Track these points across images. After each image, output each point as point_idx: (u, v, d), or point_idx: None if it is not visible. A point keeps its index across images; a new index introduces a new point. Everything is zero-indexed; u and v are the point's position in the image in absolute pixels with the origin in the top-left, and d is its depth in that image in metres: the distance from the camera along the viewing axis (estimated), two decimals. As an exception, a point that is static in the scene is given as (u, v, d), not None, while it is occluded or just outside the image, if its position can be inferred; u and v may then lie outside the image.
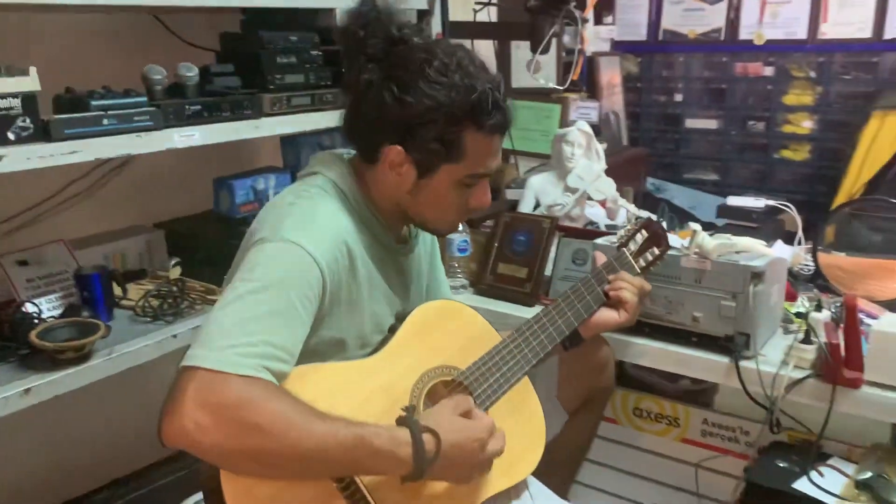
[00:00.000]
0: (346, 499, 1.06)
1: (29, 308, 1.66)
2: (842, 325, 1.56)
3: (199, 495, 1.92)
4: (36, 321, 1.62)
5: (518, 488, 1.25)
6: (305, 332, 1.07)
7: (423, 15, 2.25)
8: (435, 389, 1.21)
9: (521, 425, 1.25)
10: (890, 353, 1.47)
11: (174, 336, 1.72)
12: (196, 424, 0.94)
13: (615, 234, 1.71)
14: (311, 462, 0.99)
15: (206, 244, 2.01)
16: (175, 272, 1.97)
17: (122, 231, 2.09)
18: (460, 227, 2.05)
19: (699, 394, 1.97)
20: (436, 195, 1.21)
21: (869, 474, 1.46)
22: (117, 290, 1.84)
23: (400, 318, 1.26)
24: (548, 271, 1.95)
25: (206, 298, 1.88)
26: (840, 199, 3.28)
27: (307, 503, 1.04)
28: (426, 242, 1.42)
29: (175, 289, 1.87)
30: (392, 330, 1.24)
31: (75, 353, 1.56)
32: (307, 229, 1.11)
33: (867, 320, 1.61)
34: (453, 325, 1.29)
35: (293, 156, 2.13)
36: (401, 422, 1.08)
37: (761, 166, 3.79)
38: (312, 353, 1.13)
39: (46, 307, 1.72)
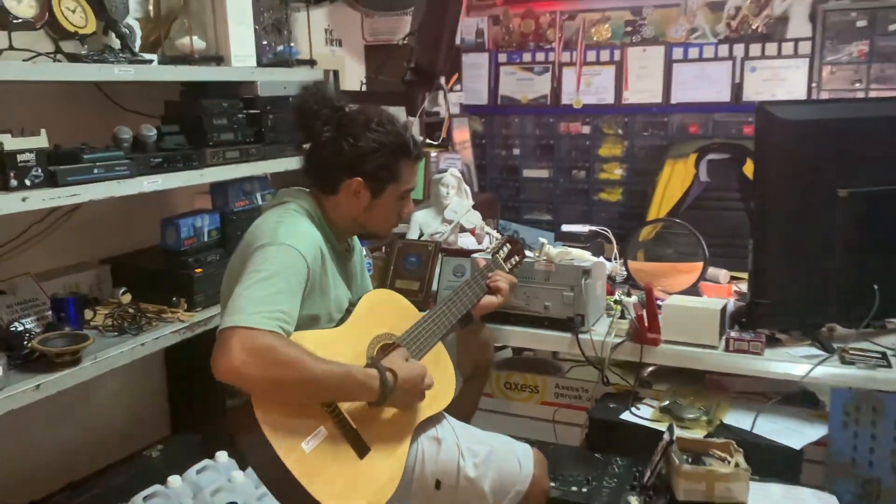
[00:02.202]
0: (332, 418, 1.56)
1: (19, 327, 2.01)
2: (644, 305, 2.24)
3: (153, 488, 2.30)
4: (28, 335, 1.97)
5: (439, 417, 1.79)
6: (298, 306, 1.56)
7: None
8: (381, 349, 1.73)
9: (439, 373, 1.78)
10: (676, 320, 2.15)
11: (142, 345, 2.11)
12: (242, 362, 1.41)
13: (486, 251, 2.32)
14: (316, 388, 1.49)
15: (153, 274, 2.39)
16: (126, 298, 2.33)
17: (73, 266, 2.43)
18: (364, 253, 2.59)
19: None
20: (383, 209, 1.76)
21: (667, 402, 2.13)
22: (88, 314, 2.19)
23: (352, 303, 1.78)
24: (434, 284, 2.52)
25: (159, 317, 2.28)
26: (643, 234, 4.12)
27: (307, 420, 1.52)
28: (358, 250, 1.95)
29: (132, 310, 2.25)
30: (349, 310, 1.76)
31: (71, 356, 1.93)
32: (296, 236, 1.61)
33: (660, 302, 2.30)
34: (391, 306, 1.82)
35: (222, 199, 2.57)
36: (371, 365, 1.60)
37: (585, 207, 4.59)
38: (297, 326, 1.61)
39: (29, 327, 2.06)
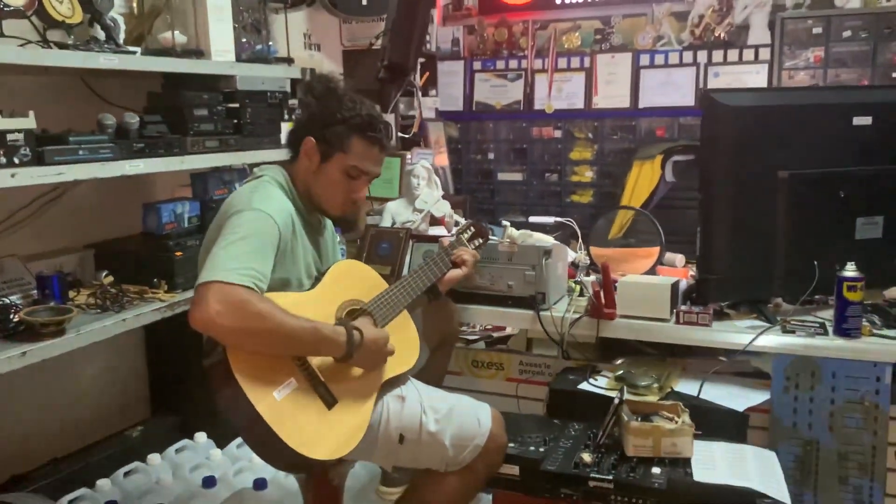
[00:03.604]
0: (302, 372, 1.67)
1: (5, 300, 2.11)
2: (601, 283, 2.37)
3: (133, 465, 2.40)
4: (14, 308, 2.07)
5: (403, 378, 1.91)
6: (271, 266, 1.68)
7: (296, 82, 2.93)
8: (349, 314, 1.85)
9: (403, 338, 1.90)
10: (630, 295, 2.29)
11: (124, 320, 2.21)
12: (217, 313, 1.52)
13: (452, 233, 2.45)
14: (287, 340, 1.60)
15: (135, 257, 2.50)
16: (108, 280, 2.44)
17: (58, 250, 2.53)
18: (338, 239, 2.71)
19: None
20: (329, 177, 1.86)
21: (621, 372, 2.26)
22: (71, 294, 2.30)
23: (320, 271, 1.90)
24: (405, 269, 2.64)
25: (141, 297, 2.38)
26: (614, 230, 4.27)
27: (279, 372, 1.64)
28: (330, 228, 2.08)
29: (114, 290, 2.36)
30: (318, 278, 1.88)
31: (56, 327, 2.03)
32: (268, 203, 1.73)
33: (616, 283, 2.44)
34: (358, 275, 1.94)
35: (202, 188, 2.69)
36: (338, 323, 1.72)
37: (558, 209, 4.73)
38: (269, 288, 1.73)
39: (16, 302, 2.16)
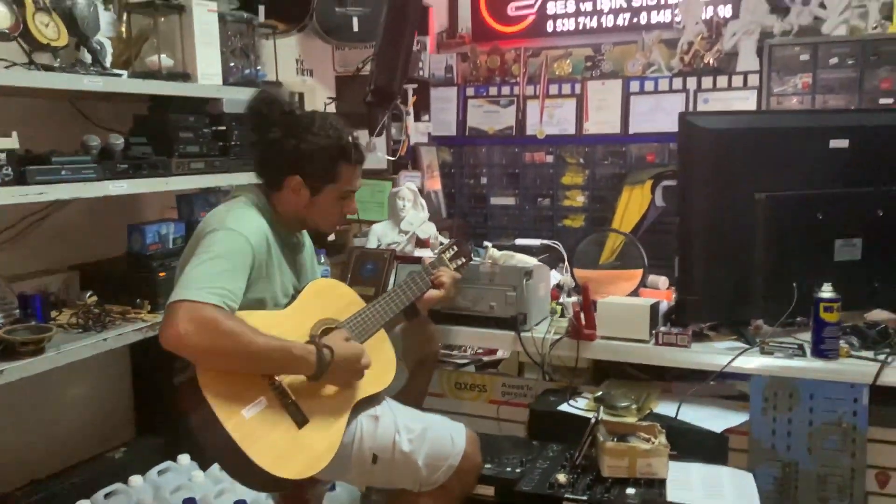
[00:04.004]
0: (272, 390, 1.67)
1: (-14, 319, 2.12)
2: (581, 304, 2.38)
3: (114, 486, 2.39)
4: (-6, 327, 2.08)
5: (378, 397, 1.91)
6: (244, 286, 1.69)
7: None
8: (324, 332, 1.85)
9: (379, 356, 1.90)
10: (610, 316, 2.29)
11: (105, 340, 2.23)
12: (186, 332, 1.53)
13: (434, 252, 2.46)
14: (256, 359, 1.61)
15: (119, 278, 2.52)
16: (92, 300, 2.45)
17: (43, 271, 2.55)
18: (322, 260, 2.73)
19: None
20: (323, 207, 1.90)
21: (600, 393, 2.25)
22: (54, 314, 2.31)
23: (297, 290, 1.91)
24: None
25: (124, 317, 2.39)
26: (605, 254, 4.28)
27: (249, 390, 1.64)
28: (308, 246, 2.09)
29: (96, 310, 2.37)
30: (294, 296, 1.89)
31: (35, 346, 2.04)
32: (242, 223, 1.75)
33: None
34: (335, 293, 1.96)
35: (187, 209, 2.71)
36: (309, 341, 1.73)
37: (550, 233, 4.74)
38: (243, 307, 1.74)
39: (-3, 321, 2.17)
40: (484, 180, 4.92)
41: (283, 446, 1.64)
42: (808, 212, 2.24)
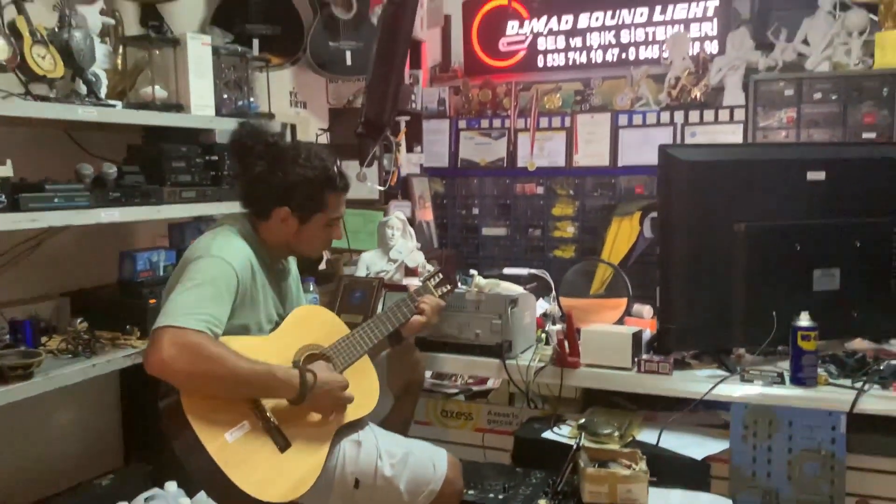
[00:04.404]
0: (255, 414, 1.70)
1: (-24, 344, 2.15)
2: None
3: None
4: (-17, 352, 2.11)
5: (361, 423, 1.93)
6: (228, 312, 1.73)
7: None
8: (308, 358, 1.88)
9: (362, 384, 1.93)
10: (593, 344, 2.33)
11: (93, 365, 2.25)
12: (170, 357, 1.56)
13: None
14: (239, 383, 1.64)
15: (110, 304, 2.54)
16: (82, 326, 2.48)
17: (35, 297, 2.58)
18: (311, 288, 2.76)
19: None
20: (311, 234, 1.94)
21: (583, 420, 2.27)
22: (44, 339, 2.34)
23: (282, 317, 1.95)
24: (377, 318, 2.68)
25: (113, 343, 2.42)
26: (596, 285, 4.32)
27: (232, 414, 1.67)
28: (294, 273, 2.13)
29: (86, 337, 2.40)
30: (279, 323, 1.92)
31: (23, 371, 2.06)
32: (227, 251, 1.79)
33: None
34: (319, 319, 1.99)
35: (179, 238, 2.75)
36: (293, 366, 1.76)
37: (541, 263, 4.76)
38: (227, 333, 1.77)
39: (-14, 346, 2.20)
40: (476, 211, 4.96)
41: (266, 470, 1.66)
42: (787, 242, 2.29)
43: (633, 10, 4.65)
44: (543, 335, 2.56)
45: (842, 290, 2.33)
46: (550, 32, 4.85)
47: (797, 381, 2.12)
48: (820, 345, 2.15)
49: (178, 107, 2.58)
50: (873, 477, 2.06)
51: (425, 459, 1.90)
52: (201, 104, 2.64)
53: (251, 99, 2.98)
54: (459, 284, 2.46)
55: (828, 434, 2.04)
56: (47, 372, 2.12)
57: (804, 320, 2.11)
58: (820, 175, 2.32)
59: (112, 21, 2.58)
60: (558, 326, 2.49)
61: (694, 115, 4.39)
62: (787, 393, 2.10)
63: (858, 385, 2.08)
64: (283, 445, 1.71)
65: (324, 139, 3.48)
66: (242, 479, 1.60)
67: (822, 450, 2.04)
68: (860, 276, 2.34)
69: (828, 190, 2.32)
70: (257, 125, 2.02)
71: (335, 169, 1.94)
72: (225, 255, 1.77)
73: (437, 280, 2.33)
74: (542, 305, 2.98)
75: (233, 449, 1.62)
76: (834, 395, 2.07)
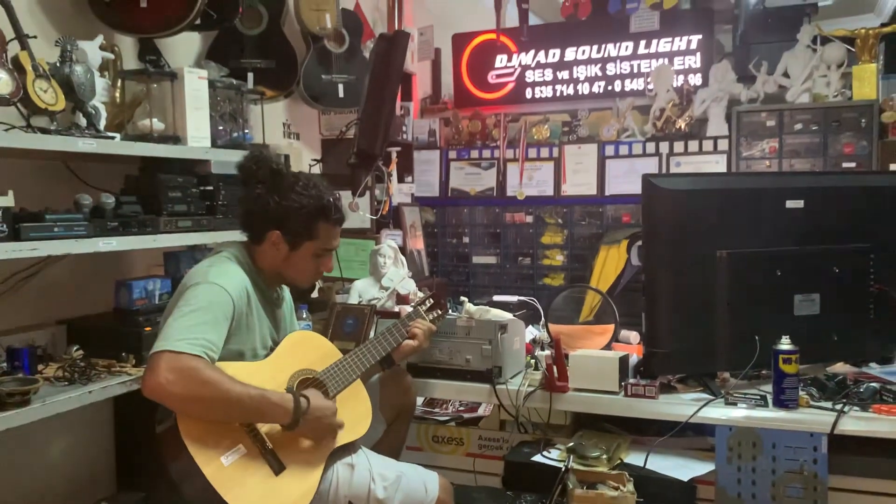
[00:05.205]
0: (250, 437, 1.74)
1: (-27, 372, 2.18)
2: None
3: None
4: (-18, 379, 2.14)
5: (354, 446, 1.97)
6: (224, 337, 1.77)
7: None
8: (301, 383, 1.93)
9: (354, 407, 1.98)
10: (581, 369, 2.38)
11: (90, 392, 2.28)
12: (167, 380, 1.61)
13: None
14: (233, 407, 1.68)
15: (105, 332, 2.58)
16: (78, 354, 2.51)
17: (31, 325, 2.61)
18: (304, 315, 2.81)
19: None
20: (300, 262, 1.99)
21: (572, 444, 2.32)
22: (40, 367, 2.37)
23: (276, 342, 1.99)
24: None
25: (108, 370, 2.44)
26: (585, 312, 4.37)
27: (227, 438, 1.71)
28: (288, 301, 2.18)
29: (82, 364, 2.43)
30: (273, 348, 1.97)
31: (21, 397, 2.09)
32: (223, 277, 1.84)
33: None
34: (312, 345, 2.04)
35: (174, 266, 2.80)
36: (287, 391, 1.80)
37: (531, 291, 4.83)
38: (222, 358, 1.82)
39: (-17, 373, 2.23)
40: (466, 240, 5.03)
41: (261, 493, 1.70)
42: (768, 268, 2.36)
43: (618, 44, 4.78)
44: (533, 360, 2.61)
45: (822, 314, 2.39)
46: (538, 65, 4.98)
47: (779, 403, 2.17)
48: (802, 368, 2.22)
49: (175, 138, 2.64)
50: (854, 498, 2.11)
51: (417, 482, 1.93)
52: (197, 136, 2.70)
53: (246, 130, 3.05)
54: (450, 311, 2.51)
55: (810, 455, 2.09)
56: (44, 399, 2.14)
57: (785, 344, 2.17)
58: (799, 203, 2.40)
59: (111, 56, 2.65)
60: (547, 352, 2.54)
61: (679, 146, 4.49)
62: (770, 415, 2.16)
63: (839, 407, 2.13)
64: (278, 469, 1.75)
65: (317, 169, 3.56)
66: (237, 501, 1.64)
67: (804, 470, 2.09)
68: (839, 302, 2.41)
69: (806, 218, 2.40)
70: (266, 153, 2.08)
71: (330, 200, 1.99)
72: (221, 281, 1.82)
73: (428, 305, 2.38)
74: (531, 332, 3.03)
75: (228, 472, 1.66)
76: (815, 417, 2.12)
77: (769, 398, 2.22)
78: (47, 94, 2.20)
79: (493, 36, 5.05)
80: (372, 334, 2.72)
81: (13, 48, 2.18)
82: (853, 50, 4.11)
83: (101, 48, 2.54)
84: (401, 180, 4.58)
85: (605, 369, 2.35)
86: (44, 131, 2.22)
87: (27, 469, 2.65)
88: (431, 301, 2.38)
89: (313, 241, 1.99)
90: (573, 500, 1.95)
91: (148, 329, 2.53)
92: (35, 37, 2.25)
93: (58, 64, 2.30)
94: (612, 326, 2.80)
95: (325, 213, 1.98)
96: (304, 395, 1.79)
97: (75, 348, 2.52)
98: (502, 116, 4.95)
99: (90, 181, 2.69)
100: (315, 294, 3.46)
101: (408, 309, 3.01)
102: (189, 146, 2.67)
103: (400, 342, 2.21)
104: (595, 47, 4.83)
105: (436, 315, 2.35)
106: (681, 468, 2.20)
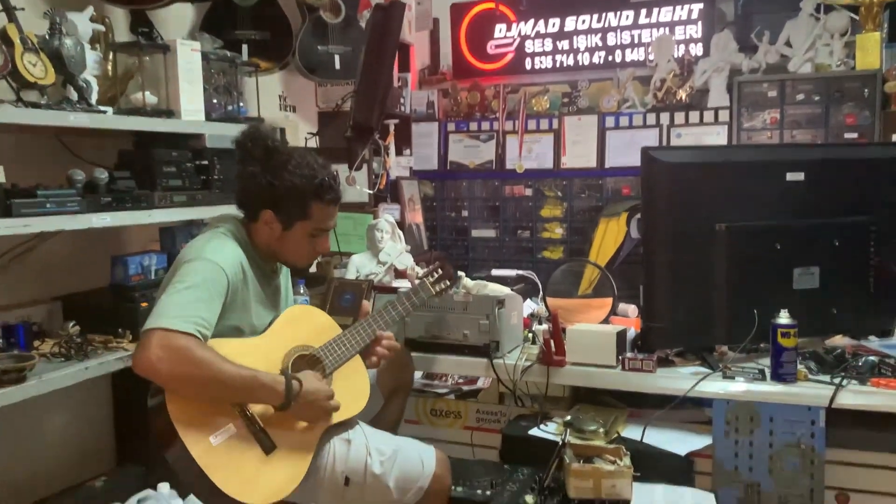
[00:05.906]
0: (241, 417, 1.73)
1: (-31, 348, 2.17)
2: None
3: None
4: (-24, 356, 2.13)
5: (352, 422, 1.96)
6: (217, 314, 1.76)
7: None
8: (298, 360, 1.92)
9: (353, 383, 1.97)
10: (579, 343, 2.37)
11: (86, 368, 2.28)
12: (157, 358, 1.60)
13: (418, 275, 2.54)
14: (224, 387, 1.67)
15: (102, 308, 2.57)
16: (74, 330, 2.50)
17: (27, 302, 2.60)
18: (302, 291, 2.79)
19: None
20: (294, 242, 1.96)
21: (569, 417, 2.32)
22: (37, 343, 2.36)
23: (274, 318, 1.98)
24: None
25: (105, 346, 2.44)
26: (583, 285, 4.36)
27: (217, 418, 1.70)
28: (286, 275, 2.16)
29: (78, 340, 2.42)
30: (270, 323, 1.96)
31: (17, 374, 2.09)
32: (219, 253, 1.82)
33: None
34: (311, 320, 2.02)
35: (169, 241, 2.78)
36: (280, 372, 1.79)
37: (530, 265, 4.80)
38: (219, 334, 1.80)
39: (-20, 351, 2.22)
40: (465, 213, 5.00)
41: (250, 473, 1.69)
42: (767, 242, 2.34)
43: (618, 13, 4.71)
44: (530, 335, 2.60)
45: (821, 288, 2.38)
46: (538, 35, 4.91)
47: (777, 377, 2.16)
48: (801, 342, 2.21)
49: (169, 112, 2.60)
50: (852, 470, 2.11)
51: (414, 456, 1.93)
52: (191, 109, 2.66)
53: (241, 104, 3.01)
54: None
55: (807, 429, 2.09)
56: (40, 375, 2.14)
57: (784, 318, 2.16)
58: (799, 176, 2.37)
59: (102, 28, 2.61)
60: (545, 326, 2.54)
61: (679, 117, 4.44)
62: (768, 389, 2.15)
63: (837, 380, 2.13)
64: (269, 448, 1.74)
65: (313, 143, 3.52)
66: (225, 482, 1.64)
67: (801, 444, 2.09)
68: (839, 275, 2.40)
69: (806, 190, 2.37)
70: (262, 129, 2.03)
71: (325, 180, 1.95)
72: (216, 257, 1.80)
73: (436, 276, 2.35)
74: (529, 306, 3.03)
75: (217, 452, 1.65)
76: (813, 391, 2.12)
77: (767, 372, 2.22)
78: (36, 68, 2.16)
79: (491, 5, 4.98)
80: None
81: (0, 20, 2.14)
82: (857, 18, 4.05)
83: (92, 20, 2.50)
84: (399, 153, 4.54)
85: (602, 343, 2.34)
86: (34, 105, 2.19)
87: (27, 446, 2.66)
88: (439, 272, 2.33)
89: (307, 220, 1.95)
90: (570, 474, 1.95)
91: (144, 304, 2.52)
92: (23, 9, 2.21)
93: (47, 37, 2.26)
94: (609, 300, 2.78)
95: (318, 192, 1.94)
96: (296, 377, 1.78)
97: (72, 324, 2.51)
98: (501, 87, 4.89)
99: (83, 156, 2.67)
100: (313, 269, 3.45)
101: (406, 284, 3.00)
102: (183, 120, 2.64)
103: (402, 316, 2.19)
104: (595, 17, 4.76)
105: (444, 286, 2.31)
106: (678, 442, 2.20)
